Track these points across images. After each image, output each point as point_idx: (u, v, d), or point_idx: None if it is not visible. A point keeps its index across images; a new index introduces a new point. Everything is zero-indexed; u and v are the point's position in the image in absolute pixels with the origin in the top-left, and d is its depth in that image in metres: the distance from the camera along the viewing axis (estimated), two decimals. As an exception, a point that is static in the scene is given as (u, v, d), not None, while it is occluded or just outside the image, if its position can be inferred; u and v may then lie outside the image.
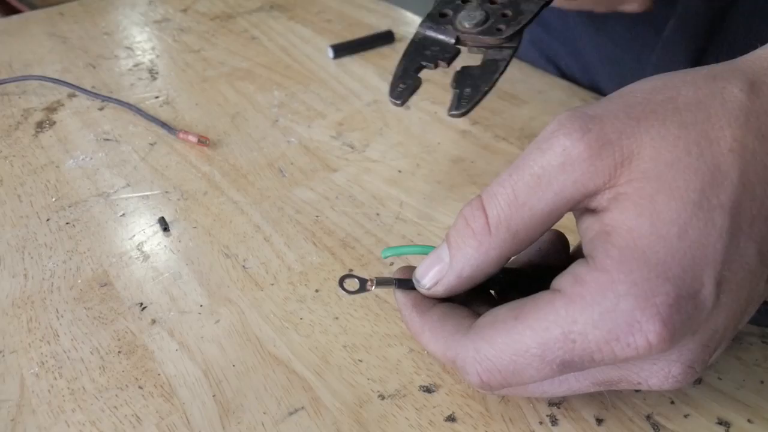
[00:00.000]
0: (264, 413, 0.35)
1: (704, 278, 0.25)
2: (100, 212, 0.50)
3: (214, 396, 0.36)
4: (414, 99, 0.62)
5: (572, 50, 0.67)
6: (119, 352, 0.39)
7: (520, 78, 0.65)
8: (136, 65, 0.72)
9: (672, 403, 0.34)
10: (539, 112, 0.59)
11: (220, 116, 0.62)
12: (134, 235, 0.47)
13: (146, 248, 0.46)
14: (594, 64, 0.64)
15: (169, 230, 0.48)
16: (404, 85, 0.35)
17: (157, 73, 0.70)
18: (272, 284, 0.43)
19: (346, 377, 0.37)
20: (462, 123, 0.58)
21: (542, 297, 0.27)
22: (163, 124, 0.59)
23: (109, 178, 0.54)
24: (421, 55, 0.38)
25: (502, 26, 0.37)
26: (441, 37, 0.38)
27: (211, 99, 0.65)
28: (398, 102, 0.34)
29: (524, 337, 0.27)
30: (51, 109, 0.64)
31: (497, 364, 0.27)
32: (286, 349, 0.38)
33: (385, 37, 0.73)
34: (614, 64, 0.63)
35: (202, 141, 0.56)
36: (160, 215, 0.49)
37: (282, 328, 0.40)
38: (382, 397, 0.35)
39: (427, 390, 0.36)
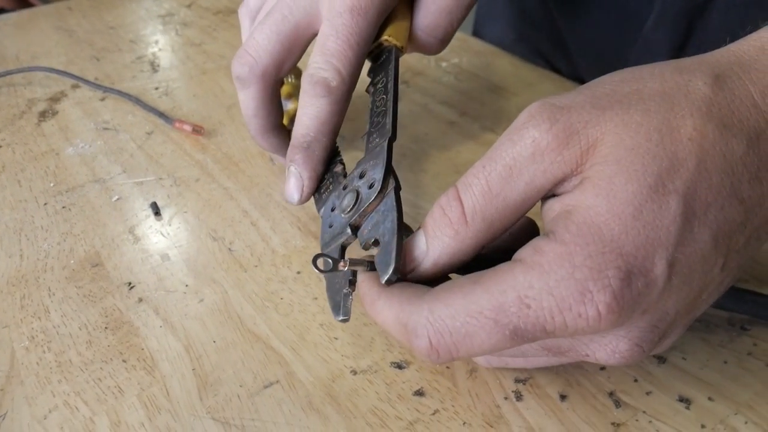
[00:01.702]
0: (240, 386, 0.36)
1: (656, 258, 0.26)
2: (95, 197, 0.52)
3: (193, 370, 0.37)
4: (407, 91, 0.63)
5: (558, 45, 0.68)
6: (106, 328, 0.40)
7: (510, 71, 0.66)
8: (138, 58, 0.74)
9: (635, 381, 0.35)
10: (527, 103, 0.60)
11: (216, 107, 0.63)
12: (127, 219, 0.49)
13: (137, 231, 0.48)
14: (579, 59, 0.65)
15: (160, 214, 0.49)
16: (342, 301, 0.33)
17: (158, 65, 0.72)
18: (256, 266, 0.44)
19: (321, 354, 0.38)
20: (450, 114, 0.59)
21: (502, 266, 0.28)
22: (161, 114, 0.61)
23: (106, 165, 0.55)
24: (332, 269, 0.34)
25: (372, 191, 0.34)
26: (340, 241, 0.35)
27: (209, 90, 0.67)
28: (346, 317, 0.33)
29: (480, 299, 0.27)
30: (54, 99, 0.66)
31: (449, 325, 0.27)
32: (265, 326, 0.40)
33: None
34: (597, 58, 0.64)
35: (197, 130, 0.58)
36: (153, 200, 0.50)
37: (263, 307, 0.41)
38: (354, 372, 0.37)
39: (398, 366, 0.37)
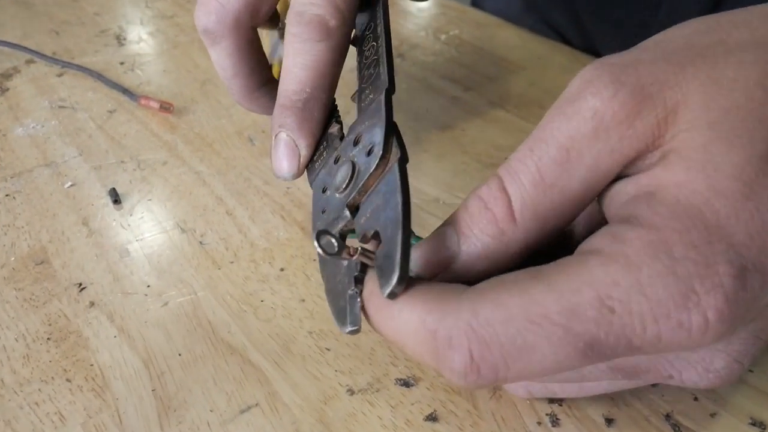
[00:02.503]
0: (211, 411, 0.29)
1: None
2: (45, 183, 0.44)
3: (153, 390, 0.30)
4: (402, 65, 0.56)
5: (571, 14, 0.61)
6: (48, 338, 0.33)
7: (517, 44, 0.59)
8: (102, 31, 0.66)
9: (695, 399, 0.29)
10: (538, 77, 0.54)
11: (188, 83, 0.56)
12: (80, 209, 0.42)
13: (92, 223, 0.41)
14: (594, 29, 0.59)
15: (120, 202, 0.42)
16: (348, 305, 0.25)
17: (125, 39, 0.64)
18: (231, 262, 0.37)
19: (310, 368, 0.31)
20: (453, 89, 0.52)
21: (568, 260, 0.22)
22: (125, 91, 0.54)
23: (60, 147, 0.48)
24: (331, 264, 0.27)
25: (371, 159, 0.27)
26: (338, 228, 0.27)
27: (181, 65, 0.59)
28: (355, 327, 0.25)
29: (545, 299, 0.20)
30: (5, 75, 0.58)
31: (501, 333, 0.20)
32: (242, 335, 0.33)
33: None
34: (615, 27, 0.58)
35: (165, 107, 0.51)
36: (112, 186, 0.43)
37: (239, 312, 0.34)
38: (351, 391, 0.30)
39: (405, 384, 0.30)
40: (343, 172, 0.28)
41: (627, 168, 0.23)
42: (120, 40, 0.64)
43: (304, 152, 0.32)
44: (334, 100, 0.35)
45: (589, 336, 0.20)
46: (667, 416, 0.28)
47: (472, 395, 0.30)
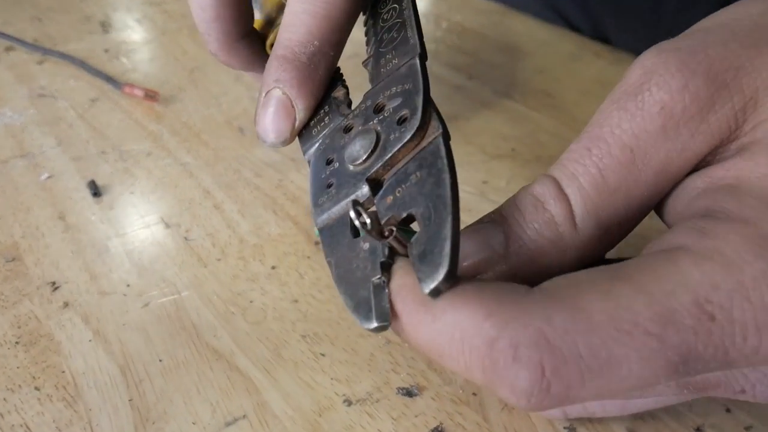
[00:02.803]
0: (193, 423, 0.27)
1: None
2: (20, 175, 0.41)
3: (131, 400, 0.28)
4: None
5: (579, 1, 0.58)
6: (17, 342, 0.30)
7: (522, 30, 0.56)
8: (87, 18, 0.63)
9: (728, 411, 0.26)
10: (546, 65, 0.51)
11: (176, 71, 0.53)
12: (57, 202, 0.39)
13: (69, 217, 0.38)
14: (603, 15, 0.56)
15: (100, 195, 0.39)
16: (373, 296, 0.21)
17: (110, 26, 0.61)
18: (219, 259, 0.35)
19: (304, 376, 0.28)
20: (455, 78, 0.50)
21: (649, 259, 0.19)
22: (108, 78, 0.51)
23: (37, 137, 0.45)
24: (344, 246, 0.23)
25: (405, 129, 0.23)
26: (345, 202, 0.24)
27: (169, 53, 0.56)
28: (384, 323, 0.20)
29: (635, 303, 0.17)
30: (-18, 63, 0.55)
31: (582, 343, 0.17)
32: (229, 339, 0.30)
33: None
34: (626, 14, 0.55)
35: (150, 95, 0.48)
36: (91, 178, 0.40)
37: (226, 314, 0.31)
38: (348, 402, 0.27)
39: (408, 393, 0.27)
40: (363, 142, 0.24)
41: (700, 163, 0.20)
42: (105, 27, 0.61)
43: (302, 115, 0.28)
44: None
45: (685, 348, 0.17)
46: (698, 430, 0.25)
47: (482, 406, 0.27)
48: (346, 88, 0.29)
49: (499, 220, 0.22)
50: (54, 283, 0.33)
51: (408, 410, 0.27)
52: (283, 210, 0.38)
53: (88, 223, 0.37)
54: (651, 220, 0.23)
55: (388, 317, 0.20)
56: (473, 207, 0.37)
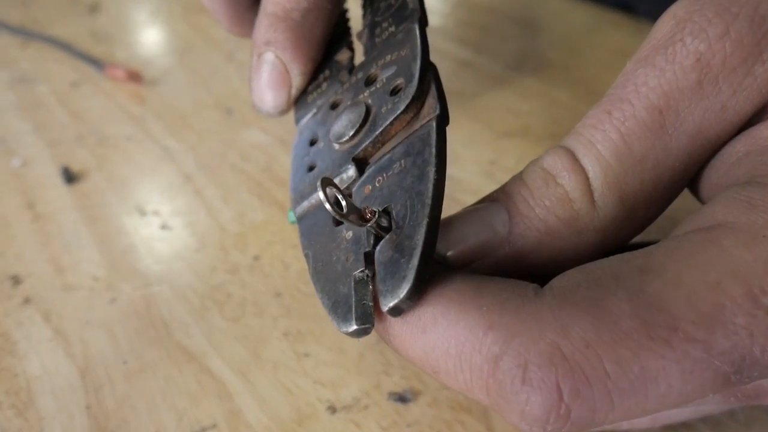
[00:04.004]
0: (156, 434, 0.23)
1: None
2: (-9, 162, 0.39)
3: (88, 408, 0.24)
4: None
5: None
6: (-31, 343, 0.27)
7: (536, 2, 0.52)
8: (73, 1, 0.60)
9: (775, 419, 0.22)
10: (561, 37, 0.47)
11: (164, 52, 0.50)
12: (28, 189, 0.36)
13: (39, 205, 0.35)
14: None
15: (73, 182, 0.36)
16: (354, 294, 0.17)
17: (98, 7, 0.58)
18: (197, 250, 0.31)
19: (283, 379, 0.25)
20: (463, 51, 0.46)
21: (682, 241, 0.15)
22: (91, 60, 0.48)
23: (13, 122, 0.42)
24: (324, 237, 0.20)
25: (398, 99, 0.19)
26: (329, 197, 0.18)
27: (158, 34, 0.53)
28: (365, 326, 0.17)
29: (671, 302, 0.14)
30: (-36, 48, 0.53)
31: (607, 358, 0.14)
32: (202, 338, 0.27)
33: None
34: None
35: (133, 77, 0.45)
36: (67, 164, 0.37)
37: (201, 310, 0.28)
38: (332, 409, 0.24)
39: (401, 399, 0.24)
40: (350, 116, 0.21)
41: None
42: (92, 8, 0.58)
43: (298, 81, 0.25)
44: (345, 12, 0.27)
45: (738, 354, 0.13)
46: (740, 441, 0.22)
47: (486, 413, 0.23)
48: (352, 50, 0.26)
49: (502, 198, 0.18)
50: (15, 277, 0.30)
51: (400, 418, 0.23)
52: (269, 195, 0.34)
53: (58, 212, 0.34)
54: (684, 199, 0.20)
55: (370, 318, 0.17)
56: (479, 188, 0.33)
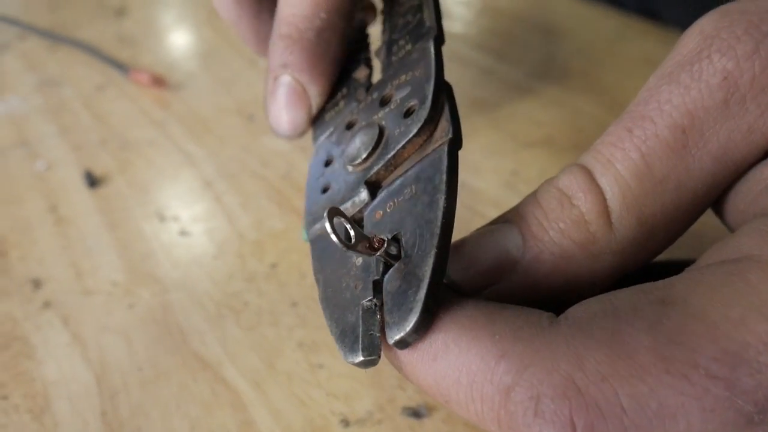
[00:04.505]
0: (169, 443, 0.23)
1: None
2: (16, 165, 0.39)
3: (103, 414, 0.25)
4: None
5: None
6: (-10, 346, 0.28)
7: (560, 9, 0.52)
8: (101, 4, 0.61)
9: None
10: (586, 45, 0.46)
11: (188, 56, 0.51)
12: (51, 193, 0.36)
13: (62, 209, 0.35)
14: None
15: (96, 186, 0.37)
16: (362, 324, 0.17)
17: (124, 11, 0.59)
18: (215, 257, 0.31)
19: (297, 390, 0.25)
20: (486, 59, 0.45)
21: (711, 272, 0.15)
22: (116, 64, 0.48)
23: (39, 125, 0.43)
24: (335, 262, 0.20)
25: (411, 122, 0.19)
26: (350, 213, 0.20)
27: (183, 38, 0.54)
28: (371, 357, 0.16)
29: (693, 337, 0.13)
30: (-6, 50, 0.53)
31: (624, 393, 0.13)
32: (217, 346, 0.27)
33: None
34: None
35: (158, 81, 0.45)
36: (90, 168, 0.38)
37: (217, 317, 0.28)
38: (345, 422, 0.24)
39: (415, 414, 0.24)
40: (363, 138, 0.20)
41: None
42: (119, 13, 0.59)
43: (316, 101, 0.25)
44: (365, 27, 0.27)
45: (763, 393, 0.13)
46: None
47: (498, 421, 0.23)
48: (370, 67, 0.25)
49: (515, 219, 0.18)
50: (36, 281, 0.31)
51: (414, 434, 0.23)
52: (288, 202, 0.34)
53: (80, 215, 0.35)
54: (710, 217, 0.19)
55: (377, 350, 0.16)
56: (500, 200, 0.33)
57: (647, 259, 0.18)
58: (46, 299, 0.30)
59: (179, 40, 0.54)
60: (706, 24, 0.17)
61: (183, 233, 0.33)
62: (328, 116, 0.25)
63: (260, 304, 0.29)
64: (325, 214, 0.16)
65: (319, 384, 0.25)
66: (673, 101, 0.16)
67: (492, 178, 0.34)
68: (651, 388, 0.13)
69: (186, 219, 0.34)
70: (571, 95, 0.41)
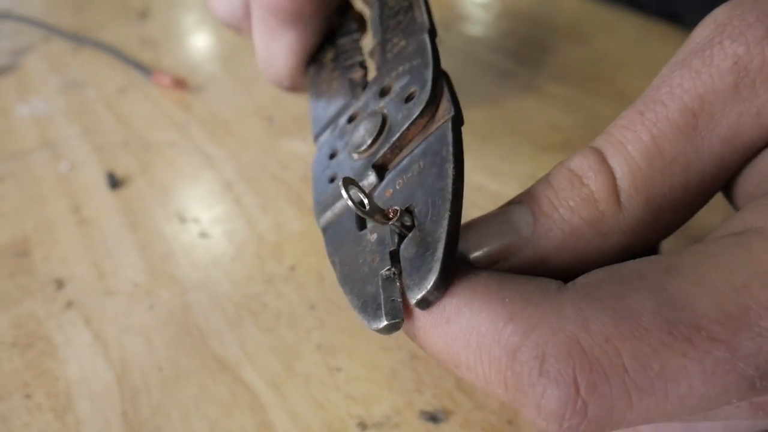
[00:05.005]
0: (188, 443, 0.24)
1: None
2: (41, 166, 0.40)
3: (124, 413, 0.25)
4: (445, 38, 0.50)
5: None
6: (14, 345, 0.28)
7: (581, 12, 0.52)
8: (125, 7, 0.62)
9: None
10: (606, 49, 0.46)
11: (210, 58, 0.51)
12: (74, 194, 0.37)
13: (84, 210, 0.36)
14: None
15: (118, 187, 0.37)
16: (382, 291, 0.17)
17: (147, 14, 0.60)
18: (234, 259, 0.32)
19: (315, 393, 0.25)
20: (504, 62, 0.45)
21: (711, 245, 0.15)
22: (139, 67, 0.49)
23: (62, 127, 0.43)
24: (349, 242, 0.20)
25: (413, 105, 0.20)
26: (352, 196, 0.18)
27: (204, 40, 0.54)
28: (396, 320, 0.17)
29: (695, 301, 0.14)
30: (18, 52, 0.54)
31: (627, 352, 0.14)
32: (236, 348, 0.27)
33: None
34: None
35: (179, 83, 0.45)
36: (112, 170, 0.38)
37: (236, 319, 0.28)
38: (363, 425, 0.24)
39: (432, 418, 0.24)
40: (367, 126, 0.21)
41: None
42: (142, 15, 0.59)
43: (311, 27, 0.28)
44: (355, 32, 0.28)
45: (764, 357, 0.13)
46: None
47: (504, 383, 0.23)
48: (365, 68, 0.26)
49: (526, 200, 0.18)
50: (59, 281, 0.31)
51: (431, 439, 0.23)
52: (307, 205, 0.34)
53: (102, 216, 0.35)
54: (722, 212, 0.19)
55: (399, 313, 0.17)
56: (518, 204, 0.33)
57: (655, 240, 0.18)
58: (69, 299, 0.30)
59: (200, 42, 0.54)
60: (719, 13, 0.17)
61: (203, 235, 0.33)
62: (326, 116, 0.26)
63: (279, 306, 0.29)
64: (340, 183, 0.17)
65: (337, 387, 0.25)
66: (684, 85, 0.17)
67: (510, 182, 0.34)
68: (653, 349, 0.13)
69: (206, 221, 0.34)
70: (591, 99, 0.41)
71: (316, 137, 0.25)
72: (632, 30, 0.48)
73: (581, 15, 0.51)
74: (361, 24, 0.30)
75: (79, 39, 0.55)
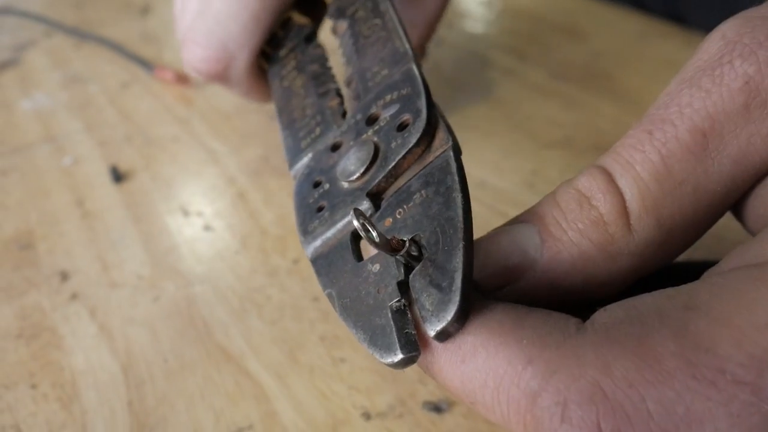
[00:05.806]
0: (194, 432, 0.24)
1: None
2: (44, 160, 0.40)
3: (129, 403, 0.25)
4: (447, 36, 0.50)
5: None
6: (19, 336, 0.28)
7: (582, 10, 0.52)
8: (127, 2, 0.62)
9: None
10: (607, 47, 0.46)
11: (212, 55, 0.51)
12: (77, 187, 0.37)
13: (88, 203, 0.36)
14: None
15: (121, 181, 0.37)
16: (393, 323, 0.17)
17: (149, 10, 0.60)
18: (237, 252, 0.32)
19: (319, 384, 0.25)
20: (506, 60, 0.46)
21: (734, 277, 0.15)
22: (141, 62, 0.49)
23: (65, 121, 0.44)
24: (347, 273, 0.19)
25: (408, 134, 0.20)
26: (342, 223, 0.20)
27: (206, 37, 0.54)
28: (413, 353, 0.16)
29: (718, 342, 0.14)
30: (20, 47, 0.54)
31: (651, 398, 0.13)
32: (241, 339, 0.27)
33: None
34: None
35: (181, 79, 0.46)
36: (115, 164, 0.38)
37: (241, 311, 0.29)
38: (367, 415, 0.24)
39: (436, 408, 0.24)
40: (358, 154, 0.21)
41: None
42: (144, 11, 0.60)
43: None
44: (326, 61, 0.29)
45: None
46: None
47: (524, 425, 0.23)
48: (341, 96, 0.26)
49: (533, 220, 0.18)
50: (64, 273, 0.31)
51: (434, 428, 0.23)
52: (310, 199, 0.35)
53: (106, 210, 0.35)
54: (729, 220, 0.19)
55: (416, 346, 0.17)
56: (520, 199, 0.33)
57: (665, 261, 0.18)
58: (74, 291, 0.30)
59: (202, 38, 0.54)
60: (728, 29, 0.17)
61: (207, 228, 0.33)
62: (303, 143, 0.25)
63: (282, 298, 0.29)
64: (351, 213, 0.17)
65: (340, 377, 0.25)
66: (694, 105, 0.17)
67: (512, 178, 0.35)
68: (678, 393, 0.13)
69: (209, 214, 0.34)
70: (592, 96, 0.41)
71: (291, 165, 0.25)
72: (633, 28, 0.49)
73: (582, 13, 0.51)
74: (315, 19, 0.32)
75: (81, 34, 0.55)
